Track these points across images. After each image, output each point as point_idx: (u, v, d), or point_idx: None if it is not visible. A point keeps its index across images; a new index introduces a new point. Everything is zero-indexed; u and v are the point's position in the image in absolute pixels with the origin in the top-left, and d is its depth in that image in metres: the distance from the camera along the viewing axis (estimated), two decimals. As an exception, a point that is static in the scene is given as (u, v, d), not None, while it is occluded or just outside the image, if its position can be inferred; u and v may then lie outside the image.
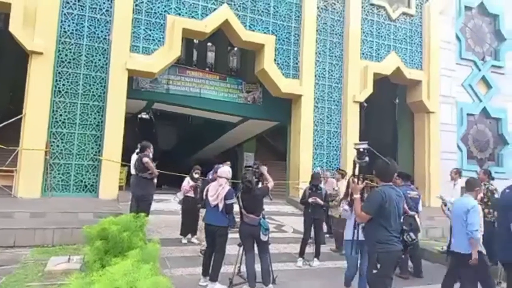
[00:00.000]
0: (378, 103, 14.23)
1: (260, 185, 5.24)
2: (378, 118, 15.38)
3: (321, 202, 6.44)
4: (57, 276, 4.64)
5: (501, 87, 14.37)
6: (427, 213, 9.42)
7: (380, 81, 12.62)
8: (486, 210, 6.59)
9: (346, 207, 4.70)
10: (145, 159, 6.46)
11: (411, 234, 4.04)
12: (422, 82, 12.90)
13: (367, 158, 3.69)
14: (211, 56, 21.30)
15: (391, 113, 15.39)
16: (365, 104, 12.26)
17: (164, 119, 19.79)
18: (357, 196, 3.53)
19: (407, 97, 13.53)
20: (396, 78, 12.95)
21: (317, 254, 6.42)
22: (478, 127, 14.21)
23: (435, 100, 12.98)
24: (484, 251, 4.68)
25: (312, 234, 6.45)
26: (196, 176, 7.10)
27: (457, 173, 8.33)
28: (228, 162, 6.75)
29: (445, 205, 7.95)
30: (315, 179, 6.70)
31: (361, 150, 3.67)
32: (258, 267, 4.84)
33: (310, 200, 6.39)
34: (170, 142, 20.17)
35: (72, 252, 5.66)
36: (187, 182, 7.09)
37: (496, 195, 6.65)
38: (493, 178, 7.11)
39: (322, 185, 7.04)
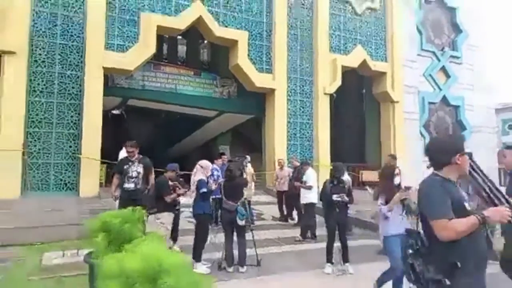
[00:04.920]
0: (347, 94, 14.90)
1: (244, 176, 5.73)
2: (347, 108, 16.08)
3: (347, 199, 5.36)
4: (55, 270, 4.86)
5: (459, 76, 15.42)
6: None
7: (348, 73, 13.25)
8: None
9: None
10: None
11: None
12: (387, 73, 13.64)
13: None
14: (182, 49, 21.20)
15: (358, 103, 16.14)
16: (334, 95, 12.85)
17: (137, 114, 19.65)
18: None
19: (373, 88, 14.24)
20: (362, 70, 13.62)
21: (347, 258, 5.45)
22: (438, 115, 15.20)
23: (399, 90, 13.78)
24: None
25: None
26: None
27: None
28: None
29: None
30: (338, 170, 5.56)
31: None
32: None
33: (335, 197, 5.27)
34: (143, 138, 20.04)
35: (63, 248, 5.84)
36: None
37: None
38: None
39: (345, 177, 5.95)
